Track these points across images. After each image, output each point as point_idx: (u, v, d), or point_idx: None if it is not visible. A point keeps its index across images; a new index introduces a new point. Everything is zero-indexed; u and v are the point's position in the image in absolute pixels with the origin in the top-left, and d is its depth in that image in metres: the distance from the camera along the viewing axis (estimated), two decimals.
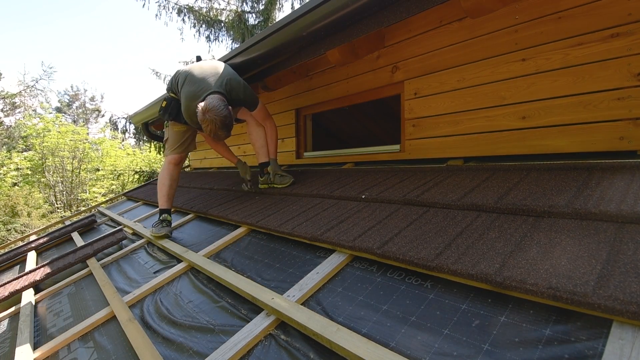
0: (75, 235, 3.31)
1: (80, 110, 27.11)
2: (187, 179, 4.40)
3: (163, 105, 2.43)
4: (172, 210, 2.56)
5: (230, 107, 2.07)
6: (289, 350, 1.03)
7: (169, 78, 10.38)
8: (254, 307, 1.29)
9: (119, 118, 10.40)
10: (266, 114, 2.45)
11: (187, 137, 2.54)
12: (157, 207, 3.44)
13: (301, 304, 1.17)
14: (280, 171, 2.51)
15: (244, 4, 9.44)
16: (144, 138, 9.82)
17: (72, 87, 31.96)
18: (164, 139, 2.59)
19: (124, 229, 2.97)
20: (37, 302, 2.07)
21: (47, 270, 2.34)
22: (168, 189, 2.46)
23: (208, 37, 9.37)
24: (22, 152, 14.63)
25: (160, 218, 2.40)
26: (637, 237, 0.92)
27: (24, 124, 15.14)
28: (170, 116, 2.43)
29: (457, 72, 1.94)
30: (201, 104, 1.97)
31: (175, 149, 2.51)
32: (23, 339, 1.60)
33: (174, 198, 2.55)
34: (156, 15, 9.20)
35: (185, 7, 9.18)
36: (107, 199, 5.45)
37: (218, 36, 9.36)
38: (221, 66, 2.28)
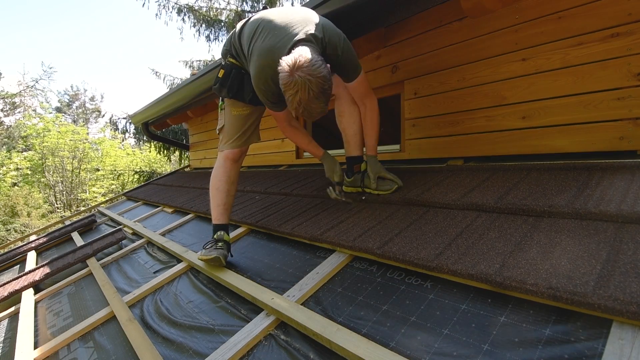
0: (75, 235, 3.31)
1: (80, 110, 27.10)
2: (187, 179, 4.40)
3: (220, 75, 1.70)
4: (227, 222, 1.77)
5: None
6: (288, 350, 1.03)
7: (168, 78, 10.44)
8: (254, 307, 1.29)
9: (119, 118, 10.40)
10: (368, 89, 1.69)
11: (250, 122, 1.80)
12: (157, 207, 3.47)
13: (301, 304, 1.17)
14: (384, 172, 1.75)
15: (244, 3, 9.44)
16: (144, 138, 9.82)
17: (72, 87, 31.98)
18: (218, 126, 1.86)
19: (124, 228, 2.97)
20: (37, 302, 2.07)
21: (47, 270, 2.34)
22: (224, 196, 1.76)
23: (208, 37, 9.37)
24: (22, 152, 14.63)
25: (214, 237, 1.68)
26: (637, 237, 0.92)
27: (24, 124, 15.16)
28: (230, 92, 1.68)
29: (457, 72, 1.94)
30: (286, 59, 1.31)
31: (234, 141, 1.78)
32: (23, 338, 1.60)
33: (231, 208, 1.83)
34: (156, 14, 9.20)
35: (185, 7, 9.18)
36: (107, 199, 5.45)
37: (218, 36, 9.36)
38: (311, 12, 1.59)
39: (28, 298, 2.10)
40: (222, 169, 1.81)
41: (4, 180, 12.62)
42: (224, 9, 9.42)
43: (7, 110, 15.54)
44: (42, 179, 13.72)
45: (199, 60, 10.22)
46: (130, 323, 1.44)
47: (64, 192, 13.84)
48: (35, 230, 5.04)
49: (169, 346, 1.26)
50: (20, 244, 4.05)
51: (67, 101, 27.06)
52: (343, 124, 1.85)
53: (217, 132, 1.88)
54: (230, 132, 1.80)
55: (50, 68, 16.05)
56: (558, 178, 1.37)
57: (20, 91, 14.95)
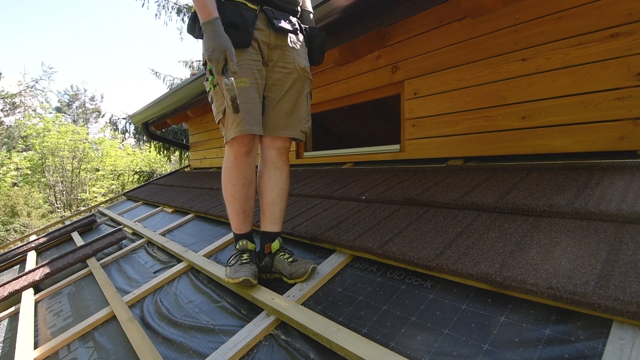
0: (75, 235, 3.31)
1: (80, 110, 27.09)
2: (187, 179, 4.40)
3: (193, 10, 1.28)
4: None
5: None
6: (289, 350, 1.03)
7: (168, 78, 10.44)
8: (254, 307, 1.29)
9: (119, 118, 10.42)
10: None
11: (255, 94, 1.32)
12: (157, 206, 3.47)
13: (301, 304, 1.17)
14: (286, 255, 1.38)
15: None
16: (144, 138, 9.82)
17: (72, 87, 31.96)
18: (217, 110, 1.35)
19: (124, 228, 2.97)
20: (37, 302, 2.07)
21: (47, 270, 2.34)
22: (243, 202, 1.39)
23: None
24: (22, 152, 14.63)
25: (237, 247, 1.41)
26: (637, 237, 0.92)
27: (24, 123, 15.16)
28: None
29: (457, 72, 1.94)
30: None
31: (240, 122, 1.28)
32: (23, 338, 1.60)
33: (253, 213, 1.45)
34: (156, 15, 9.22)
35: (184, 7, 9.19)
36: (107, 199, 5.45)
37: None
38: None
39: (28, 298, 2.10)
40: (234, 170, 1.37)
41: (4, 180, 12.62)
42: None
43: (7, 110, 15.55)
44: (42, 179, 13.72)
45: (199, 61, 10.22)
46: (131, 323, 1.44)
47: (64, 192, 13.83)
48: (35, 230, 5.04)
49: (169, 346, 1.26)
50: (20, 244, 4.05)
51: (67, 101, 27.05)
52: (261, 185, 1.47)
53: (217, 121, 1.38)
54: (238, 111, 1.25)
55: (50, 68, 16.10)
56: (558, 178, 1.37)
57: (20, 91, 14.96)
